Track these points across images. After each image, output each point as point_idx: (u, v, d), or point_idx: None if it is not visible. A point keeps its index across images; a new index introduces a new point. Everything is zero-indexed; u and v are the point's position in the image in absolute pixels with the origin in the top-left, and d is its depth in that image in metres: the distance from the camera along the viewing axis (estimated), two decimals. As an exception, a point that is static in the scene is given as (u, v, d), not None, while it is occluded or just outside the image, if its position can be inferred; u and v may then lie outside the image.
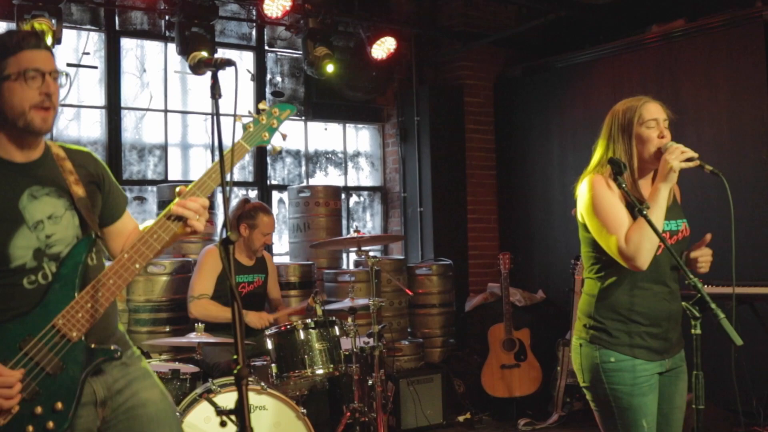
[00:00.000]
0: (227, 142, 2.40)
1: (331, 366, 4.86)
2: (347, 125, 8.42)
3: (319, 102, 7.93)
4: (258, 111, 2.78)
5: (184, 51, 6.29)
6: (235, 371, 2.24)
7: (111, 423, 2.61)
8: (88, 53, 6.65)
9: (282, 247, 7.69)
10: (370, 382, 5.30)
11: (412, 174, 8.22)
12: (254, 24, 7.57)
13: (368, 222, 8.55)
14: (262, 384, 4.41)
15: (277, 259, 6.98)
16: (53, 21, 5.63)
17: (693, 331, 2.79)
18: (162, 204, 6.36)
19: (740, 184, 6.10)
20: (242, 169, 7.59)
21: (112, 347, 2.55)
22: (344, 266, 7.63)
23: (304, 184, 7.83)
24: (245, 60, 7.63)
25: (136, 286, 5.89)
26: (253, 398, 4.33)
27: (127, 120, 6.95)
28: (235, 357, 2.25)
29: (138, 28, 6.96)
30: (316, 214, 7.12)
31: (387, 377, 5.77)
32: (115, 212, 2.79)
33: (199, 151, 7.38)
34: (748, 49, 6.23)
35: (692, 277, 2.79)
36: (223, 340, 4.64)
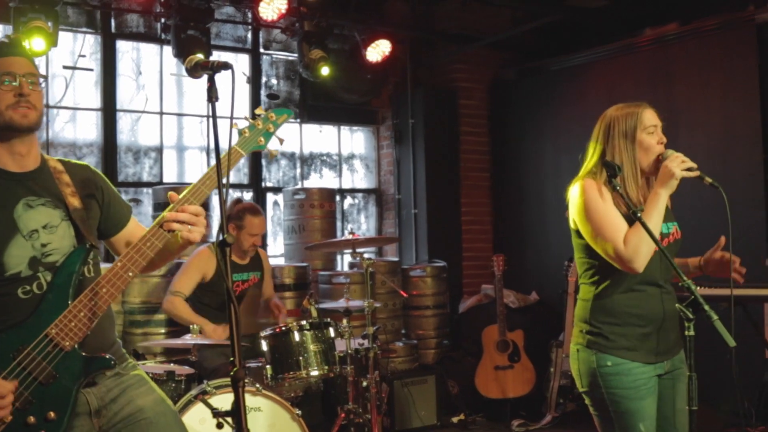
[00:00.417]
0: (224, 145, 2.41)
1: (326, 367, 4.87)
2: (342, 127, 8.44)
3: (314, 104, 7.95)
4: (254, 116, 2.78)
5: (180, 54, 6.31)
6: (231, 373, 2.25)
7: (110, 430, 2.60)
8: (84, 56, 6.67)
9: (277, 248, 7.71)
10: (364, 384, 5.32)
11: (407, 176, 8.24)
12: (250, 27, 7.59)
13: (363, 224, 8.58)
14: (257, 385, 4.42)
15: (272, 261, 6.99)
16: (49, 23, 5.63)
17: (686, 332, 2.80)
18: (157, 206, 6.37)
19: (733, 187, 6.09)
20: (237, 171, 7.60)
21: (107, 356, 2.55)
22: (339, 268, 7.65)
23: (299, 186, 7.85)
24: (241, 63, 7.65)
25: (132, 288, 5.89)
26: (248, 400, 4.33)
27: (123, 122, 6.96)
28: (231, 359, 2.26)
29: (134, 31, 6.98)
30: (311, 216, 7.14)
31: (381, 378, 5.79)
32: (118, 222, 2.80)
33: (194, 153, 7.39)
34: (740, 52, 6.25)
35: (685, 279, 2.80)
36: (219, 341, 4.66)
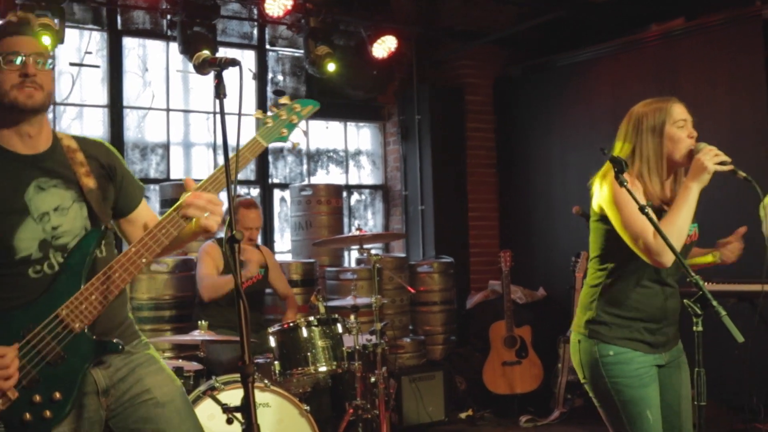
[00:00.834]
0: (232, 142, 2.41)
1: (334, 363, 4.86)
2: (348, 124, 8.45)
3: (321, 100, 7.88)
4: (278, 105, 2.73)
5: (186, 50, 6.32)
6: (240, 369, 2.24)
7: (117, 411, 2.59)
8: (90, 52, 6.68)
9: (284, 245, 7.71)
10: (372, 380, 5.33)
11: (413, 172, 8.24)
12: (256, 23, 7.59)
13: (370, 220, 8.58)
14: (266, 381, 4.42)
15: (279, 257, 7.00)
16: (56, 20, 5.66)
17: (694, 328, 2.80)
18: (164, 203, 6.38)
19: (739, 182, 6.09)
20: (244, 168, 7.59)
21: (115, 340, 2.52)
22: (346, 264, 7.66)
23: (306, 182, 7.85)
24: (247, 59, 7.65)
25: (139, 284, 5.91)
26: (257, 395, 4.23)
27: (130, 119, 6.98)
28: (241, 355, 2.26)
29: (140, 28, 6.98)
30: (318, 213, 7.14)
31: (389, 374, 5.80)
32: (130, 202, 2.76)
33: (201, 149, 7.40)
34: (747, 47, 6.24)
35: (694, 275, 2.80)
36: (227, 337, 4.66)
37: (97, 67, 6.75)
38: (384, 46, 7.36)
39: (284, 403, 4.44)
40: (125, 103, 6.90)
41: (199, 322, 4.69)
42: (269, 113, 2.72)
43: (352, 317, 5.26)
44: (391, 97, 8.43)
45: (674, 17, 6.81)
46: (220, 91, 2.40)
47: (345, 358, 4.95)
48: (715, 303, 2.70)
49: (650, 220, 2.86)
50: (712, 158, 2.95)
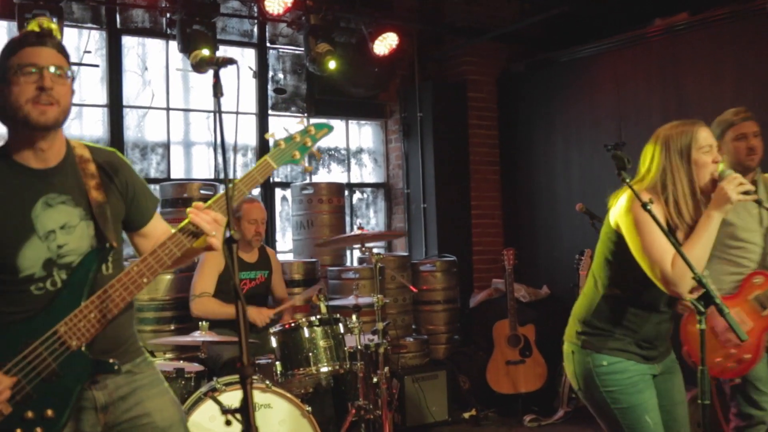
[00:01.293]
0: (230, 140, 2.39)
1: (336, 364, 4.84)
2: (350, 122, 8.41)
3: (322, 98, 7.91)
4: (293, 133, 2.74)
5: (186, 49, 6.28)
6: (239, 370, 2.22)
7: (114, 430, 2.58)
8: (89, 52, 6.64)
9: (286, 244, 7.68)
10: (374, 380, 5.29)
11: (416, 170, 8.20)
12: (256, 21, 7.56)
13: (372, 218, 8.54)
14: (267, 382, 4.40)
15: (281, 257, 6.96)
16: (54, 19, 5.63)
17: (698, 326, 2.78)
18: (165, 203, 6.34)
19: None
20: (245, 167, 7.57)
21: (111, 360, 2.49)
22: (348, 263, 7.62)
23: (307, 181, 7.81)
24: (247, 57, 7.61)
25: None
26: (258, 396, 4.32)
27: (129, 118, 6.94)
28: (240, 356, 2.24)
29: (139, 26, 6.95)
30: (320, 212, 7.10)
31: (392, 374, 5.76)
32: (142, 217, 2.75)
33: (201, 149, 7.36)
34: (752, 41, 6.19)
35: (696, 272, 2.77)
36: (228, 338, 4.63)
37: (97, 66, 6.71)
38: (385, 43, 7.31)
39: (286, 404, 4.42)
40: (125, 102, 6.86)
41: (200, 322, 4.67)
42: (283, 135, 2.74)
43: (354, 317, 5.22)
44: (393, 94, 8.39)
45: (678, 12, 6.76)
46: (217, 90, 2.38)
47: (347, 358, 4.92)
48: (718, 300, 2.68)
49: (654, 218, 2.81)
50: (735, 187, 2.89)
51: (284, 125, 2.78)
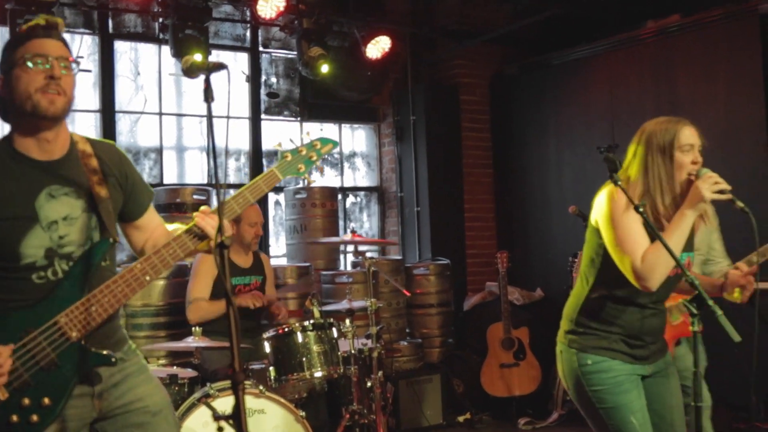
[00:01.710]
0: (221, 145, 2.42)
1: (330, 368, 4.83)
2: (343, 125, 8.40)
3: (315, 102, 7.90)
4: (300, 147, 2.81)
5: (178, 53, 6.27)
6: (230, 376, 2.23)
7: (109, 416, 2.64)
8: (81, 57, 6.61)
9: (279, 249, 7.67)
10: (368, 384, 5.28)
11: (409, 174, 8.20)
12: (248, 25, 7.55)
13: (365, 222, 8.53)
14: (261, 387, 4.38)
15: (274, 261, 6.95)
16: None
17: (691, 328, 2.78)
18: (158, 208, 6.31)
19: (738, 178, 6.05)
20: (238, 171, 7.56)
21: (105, 352, 2.55)
22: (341, 267, 7.61)
23: (301, 185, 7.80)
24: (240, 61, 7.61)
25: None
26: (252, 402, 4.31)
27: (122, 123, 6.93)
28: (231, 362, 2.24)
29: (131, 31, 6.94)
30: (313, 216, 7.10)
31: (386, 378, 5.75)
32: (138, 208, 2.81)
33: (194, 153, 7.35)
34: (744, 43, 6.20)
35: (689, 274, 2.77)
36: (221, 344, 4.62)
37: (89, 71, 6.69)
38: (378, 47, 7.31)
39: (280, 410, 4.41)
40: (117, 107, 6.85)
41: (193, 328, 4.66)
42: (289, 147, 2.81)
43: (347, 321, 5.21)
44: (386, 98, 8.39)
45: (670, 14, 6.78)
46: (208, 95, 2.40)
47: (341, 362, 4.91)
48: (710, 302, 2.68)
49: (645, 219, 2.83)
50: (710, 186, 2.89)
51: (290, 137, 2.82)
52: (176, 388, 4.52)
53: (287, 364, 4.76)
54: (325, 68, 6.93)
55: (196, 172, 7.26)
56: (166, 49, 6.69)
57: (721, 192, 2.89)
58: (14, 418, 2.40)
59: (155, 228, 2.87)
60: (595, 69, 7.39)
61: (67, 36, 6.59)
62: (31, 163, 2.53)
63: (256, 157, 7.58)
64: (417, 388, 6.47)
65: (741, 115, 6.23)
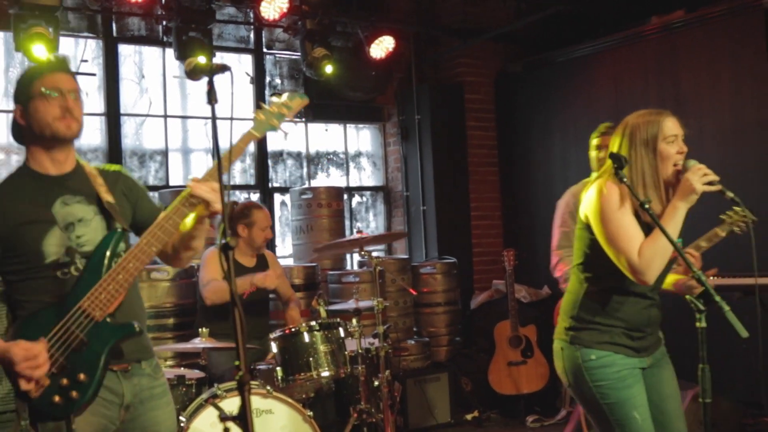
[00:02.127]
0: (225, 147, 2.47)
1: (337, 368, 4.84)
2: (348, 125, 8.40)
3: (319, 103, 7.90)
4: (270, 103, 2.95)
5: (182, 56, 6.28)
6: (237, 377, 2.24)
7: (127, 430, 2.87)
8: (86, 60, 6.64)
9: (285, 249, 7.67)
10: (376, 383, 5.28)
11: (414, 173, 8.20)
12: (252, 27, 7.55)
13: (371, 222, 8.54)
14: (268, 388, 4.39)
15: (281, 262, 6.96)
16: (50, 29, 5.62)
17: (698, 324, 2.78)
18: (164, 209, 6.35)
19: (743, 174, 6.07)
20: (243, 173, 7.57)
21: (133, 323, 2.78)
22: (348, 267, 7.62)
23: (306, 185, 7.81)
24: (244, 63, 7.62)
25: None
26: (259, 402, 4.32)
27: (127, 126, 6.94)
28: (237, 363, 2.24)
29: (135, 34, 6.95)
30: (319, 216, 7.10)
31: (393, 377, 5.75)
32: (151, 215, 2.97)
33: (199, 155, 7.37)
34: (748, 38, 6.18)
35: (696, 270, 2.77)
36: (228, 344, 4.62)
37: (93, 75, 6.71)
38: (382, 47, 7.31)
39: (287, 410, 4.41)
40: (122, 110, 6.86)
41: (200, 329, 4.67)
42: (262, 108, 2.92)
43: (354, 320, 5.22)
44: (391, 97, 8.39)
45: (674, 9, 6.76)
46: (212, 97, 2.44)
47: (348, 362, 4.92)
48: (718, 298, 2.68)
49: (651, 216, 2.85)
50: (700, 178, 2.92)
51: (260, 102, 2.88)
52: (183, 389, 4.54)
53: (294, 364, 4.76)
54: (329, 69, 6.94)
55: (202, 174, 7.24)
56: (170, 52, 6.70)
57: (710, 183, 2.92)
58: (56, 398, 2.62)
59: None
60: (600, 66, 7.38)
61: (71, 40, 6.65)
62: (46, 177, 2.83)
63: (261, 158, 7.59)
64: (425, 387, 6.47)
65: (746, 111, 6.22)
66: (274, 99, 2.95)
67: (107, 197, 2.87)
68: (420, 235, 8.10)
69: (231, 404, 4.17)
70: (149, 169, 7.02)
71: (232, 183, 7.33)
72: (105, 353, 2.70)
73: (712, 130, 6.37)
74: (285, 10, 6.58)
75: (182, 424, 4.13)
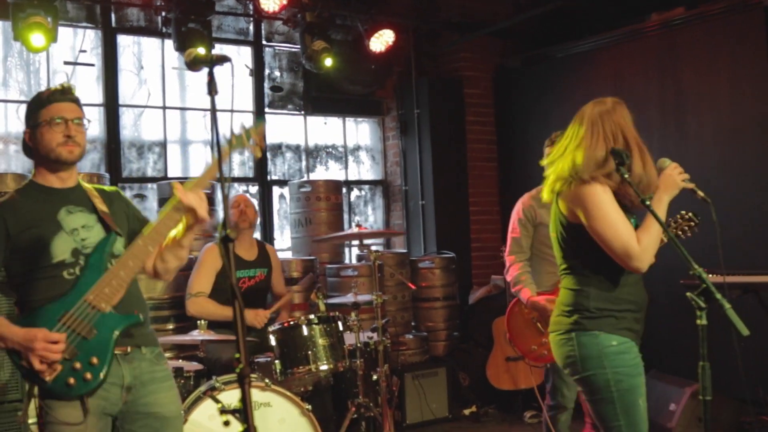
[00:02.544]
0: (222, 145, 2.52)
1: (335, 361, 4.84)
2: (347, 119, 8.39)
3: (319, 96, 7.89)
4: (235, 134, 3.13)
5: (181, 47, 6.25)
6: (237, 370, 2.23)
7: (130, 411, 3.05)
8: (84, 51, 6.62)
9: (284, 242, 7.66)
10: (374, 377, 5.28)
11: (413, 167, 8.19)
12: (251, 19, 7.53)
13: (370, 216, 8.53)
14: (266, 381, 4.39)
15: (279, 255, 6.95)
16: (49, 19, 5.60)
17: (698, 321, 2.78)
18: (162, 201, 6.33)
19: (742, 171, 6.07)
20: (242, 165, 7.56)
21: (137, 312, 3.04)
22: (347, 261, 7.61)
23: (305, 179, 7.79)
24: (243, 55, 7.59)
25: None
26: (258, 395, 4.31)
27: (126, 117, 6.92)
28: (237, 356, 2.24)
29: (134, 25, 6.92)
30: (318, 209, 7.09)
31: (391, 372, 5.75)
32: (140, 228, 3.16)
33: (198, 147, 7.35)
34: (748, 35, 6.18)
35: (697, 268, 2.77)
36: (226, 337, 4.62)
37: (92, 65, 6.69)
38: (381, 40, 7.29)
39: (285, 403, 4.42)
40: (121, 101, 6.84)
41: (199, 321, 4.66)
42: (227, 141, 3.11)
43: (353, 314, 5.22)
44: (390, 91, 8.37)
45: (674, 6, 6.75)
46: (212, 88, 2.44)
47: (346, 356, 4.92)
48: (719, 296, 2.69)
49: (652, 212, 2.91)
50: (680, 175, 3.14)
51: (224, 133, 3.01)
52: (182, 381, 4.54)
53: (293, 358, 4.77)
54: (328, 62, 6.92)
55: (200, 166, 7.25)
56: (169, 43, 6.68)
57: (685, 180, 3.14)
58: (71, 380, 2.85)
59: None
60: (599, 62, 7.36)
61: (69, 30, 6.62)
62: (51, 190, 3.11)
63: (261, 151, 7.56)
64: (423, 382, 6.47)
65: (745, 107, 6.21)
66: (236, 130, 3.12)
67: (103, 208, 3.14)
68: (419, 229, 8.09)
69: (230, 396, 4.16)
70: (147, 161, 7.00)
71: (231, 176, 7.30)
72: (114, 339, 2.94)
73: (712, 126, 6.37)
74: (285, 2, 6.57)
75: (180, 417, 4.12)
